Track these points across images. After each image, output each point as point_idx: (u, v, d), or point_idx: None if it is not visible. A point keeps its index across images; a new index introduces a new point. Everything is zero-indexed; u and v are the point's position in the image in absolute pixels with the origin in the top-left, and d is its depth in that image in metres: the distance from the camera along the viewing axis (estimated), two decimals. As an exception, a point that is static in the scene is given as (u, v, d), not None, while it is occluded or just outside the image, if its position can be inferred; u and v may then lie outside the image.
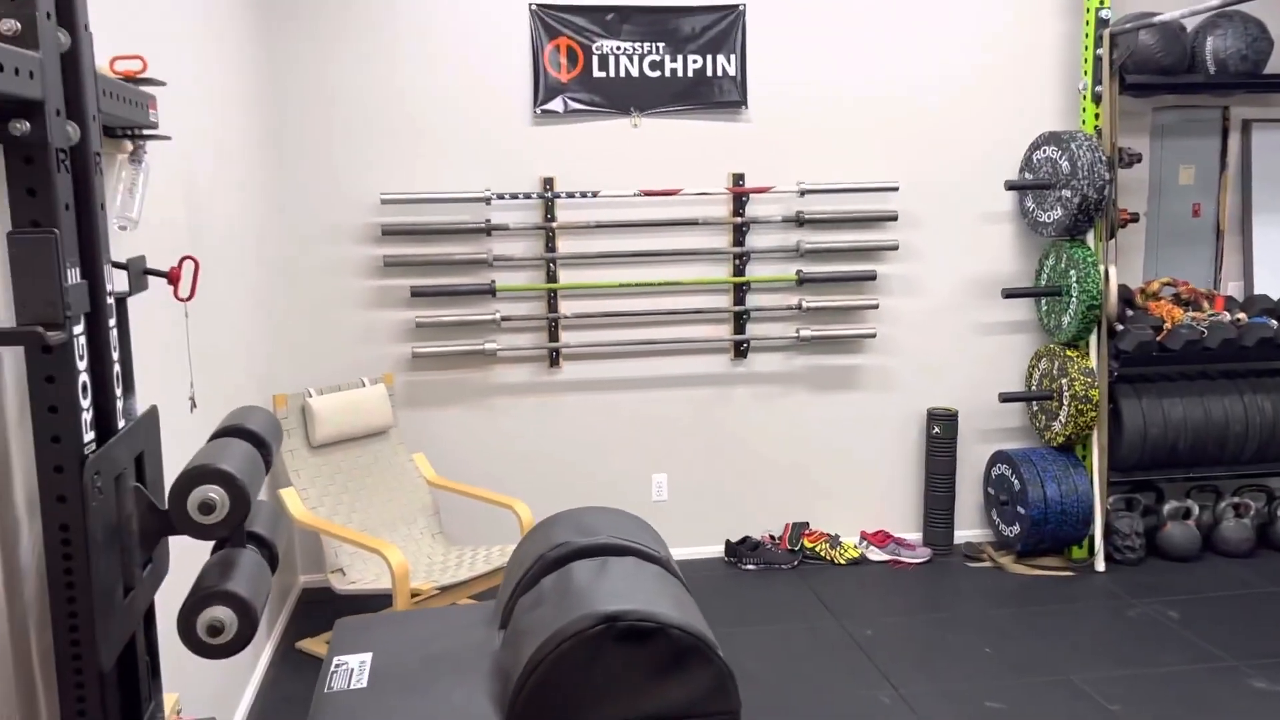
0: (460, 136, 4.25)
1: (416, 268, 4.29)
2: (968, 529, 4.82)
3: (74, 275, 1.65)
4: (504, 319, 4.32)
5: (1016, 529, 4.49)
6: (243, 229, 3.54)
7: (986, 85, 4.54)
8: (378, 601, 3.99)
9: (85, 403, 1.67)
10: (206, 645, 1.66)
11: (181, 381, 2.57)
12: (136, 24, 2.44)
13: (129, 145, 2.20)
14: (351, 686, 1.87)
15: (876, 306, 4.55)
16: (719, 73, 4.37)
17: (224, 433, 1.88)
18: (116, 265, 1.95)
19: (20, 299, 1.57)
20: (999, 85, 4.54)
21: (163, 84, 2.17)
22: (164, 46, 2.67)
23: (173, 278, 2.04)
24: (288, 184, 4.17)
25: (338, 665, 1.95)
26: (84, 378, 1.68)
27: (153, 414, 1.97)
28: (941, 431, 4.56)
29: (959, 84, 4.52)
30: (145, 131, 2.21)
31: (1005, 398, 4.44)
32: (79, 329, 1.66)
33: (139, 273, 2.00)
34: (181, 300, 2.06)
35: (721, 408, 4.59)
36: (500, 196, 4.23)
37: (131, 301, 2.26)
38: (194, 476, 1.64)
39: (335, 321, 4.27)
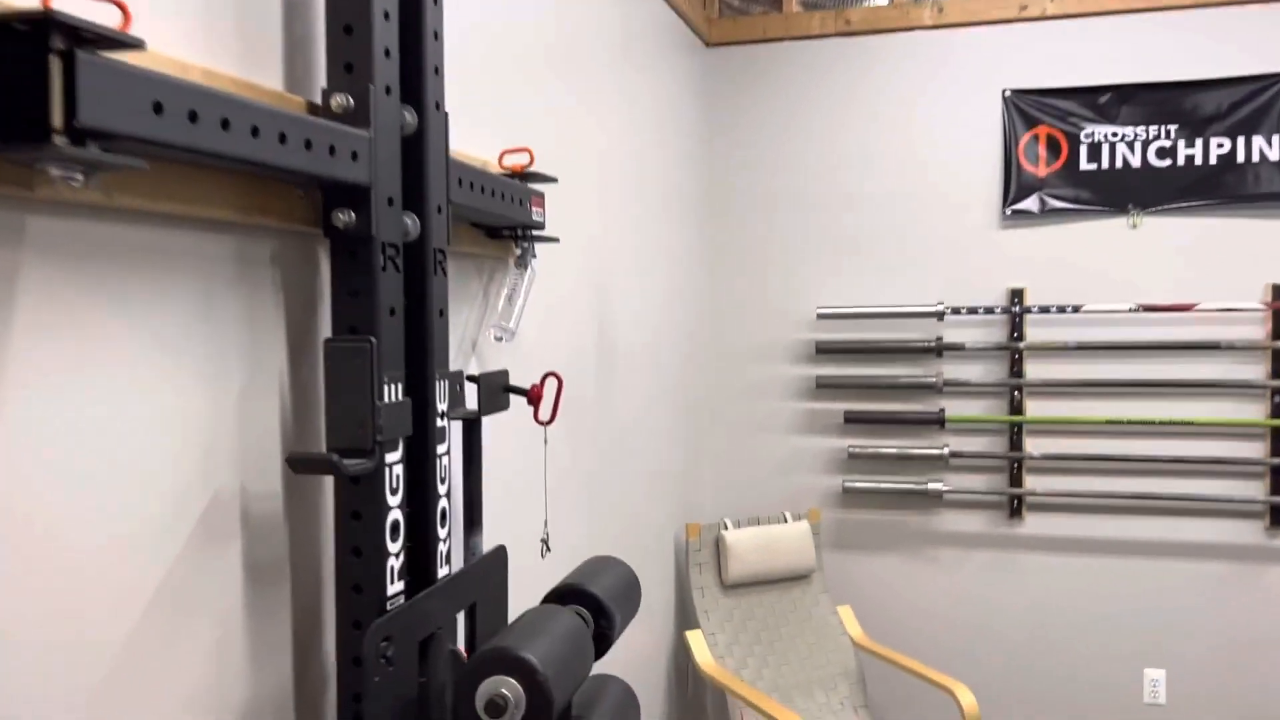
0: (909, 244, 3.72)
1: (852, 390, 3.78)
2: None
3: (394, 393, 1.38)
4: (954, 455, 3.64)
5: None
6: (664, 345, 3.30)
7: None
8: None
9: (394, 546, 1.38)
10: None
11: (555, 516, 2.30)
12: (557, 121, 2.28)
13: (515, 248, 1.98)
14: None
15: None
16: (1254, 158, 3.41)
17: (555, 596, 1.50)
18: (470, 379, 1.69)
19: (330, 418, 1.33)
20: None
21: (553, 180, 1.93)
22: (590, 146, 2.50)
23: (533, 396, 1.74)
24: (719, 298, 3.91)
25: None
26: (395, 515, 1.39)
27: (498, 556, 1.65)
28: None
29: None
30: (533, 233, 1.98)
31: None
32: (394, 456, 1.38)
33: (495, 389, 1.72)
34: (541, 423, 1.76)
35: (1249, 591, 3.45)
36: (955, 311, 3.61)
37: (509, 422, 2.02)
38: (482, 664, 1.25)
39: (759, 446, 3.88)
